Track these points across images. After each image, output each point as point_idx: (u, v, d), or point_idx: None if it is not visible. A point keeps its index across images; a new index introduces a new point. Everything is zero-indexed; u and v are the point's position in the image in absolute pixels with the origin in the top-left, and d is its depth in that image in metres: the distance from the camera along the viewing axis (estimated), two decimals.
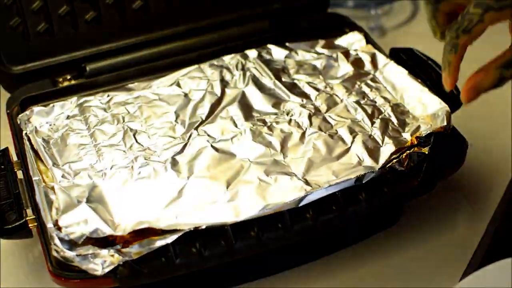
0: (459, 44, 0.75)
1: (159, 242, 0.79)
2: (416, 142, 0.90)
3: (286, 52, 1.08)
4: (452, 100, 0.95)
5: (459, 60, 0.77)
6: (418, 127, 0.92)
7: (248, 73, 1.04)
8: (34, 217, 0.85)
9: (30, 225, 0.84)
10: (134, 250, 0.79)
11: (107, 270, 0.78)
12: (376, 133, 0.93)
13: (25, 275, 0.94)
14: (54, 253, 0.80)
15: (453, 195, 1.00)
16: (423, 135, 0.90)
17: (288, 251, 0.90)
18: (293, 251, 0.91)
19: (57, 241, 0.80)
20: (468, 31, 0.73)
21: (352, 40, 1.09)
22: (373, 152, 0.91)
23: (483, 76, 0.74)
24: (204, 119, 0.97)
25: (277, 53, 1.09)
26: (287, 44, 1.09)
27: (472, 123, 0.98)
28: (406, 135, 0.92)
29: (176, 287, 0.89)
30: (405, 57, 1.03)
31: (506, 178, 1.02)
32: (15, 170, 0.91)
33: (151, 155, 0.92)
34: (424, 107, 0.95)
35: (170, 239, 0.79)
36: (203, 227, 0.81)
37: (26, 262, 0.95)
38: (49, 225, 0.82)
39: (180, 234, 0.80)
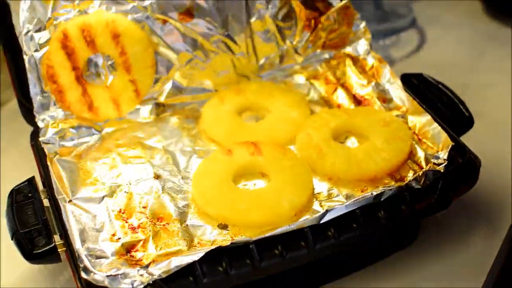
0: None
1: (186, 260, 0.81)
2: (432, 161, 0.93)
3: None
4: (464, 121, 0.98)
5: None
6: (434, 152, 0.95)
7: None
8: (62, 242, 0.87)
9: (59, 249, 0.86)
10: (163, 268, 0.81)
11: None
12: None
13: None
14: (84, 275, 0.81)
15: (468, 213, 1.02)
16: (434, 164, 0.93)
17: (308, 271, 0.92)
18: (313, 271, 0.93)
19: (86, 262, 0.82)
20: None
21: None
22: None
23: None
24: None
25: None
26: None
27: (484, 142, 0.99)
28: (422, 154, 0.95)
29: None
30: (416, 82, 1.05)
31: None
32: (42, 198, 0.93)
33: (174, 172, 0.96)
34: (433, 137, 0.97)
35: (197, 256, 0.81)
36: (228, 244, 0.83)
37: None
38: (78, 245, 0.84)
39: (206, 251, 0.81)
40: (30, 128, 1.06)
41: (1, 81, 1.22)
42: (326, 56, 1.15)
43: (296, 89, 1.12)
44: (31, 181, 0.95)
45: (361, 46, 1.12)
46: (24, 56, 1.02)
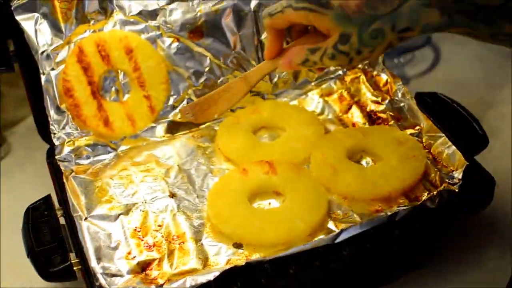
0: (264, 23, 0.88)
1: (201, 279, 0.82)
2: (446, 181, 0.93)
3: None
4: (479, 140, 0.98)
5: (273, 41, 0.91)
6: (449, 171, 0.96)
7: None
8: (78, 260, 0.87)
9: (74, 267, 0.87)
10: (178, 287, 0.81)
11: None
12: None
13: None
14: None
15: (483, 232, 1.01)
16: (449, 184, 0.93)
17: None
18: None
19: (102, 280, 0.83)
20: (271, 15, 0.86)
21: None
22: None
23: (295, 54, 0.86)
24: None
25: None
26: None
27: (499, 160, 0.99)
28: (436, 174, 0.95)
29: None
30: (430, 101, 1.06)
31: None
32: (58, 216, 0.93)
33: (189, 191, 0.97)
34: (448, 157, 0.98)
35: (212, 276, 0.81)
36: (243, 264, 0.83)
37: None
38: (93, 264, 0.85)
39: (221, 271, 0.82)
40: (46, 145, 1.06)
41: (18, 98, 1.23)
42: (340, 72, 1.15)
43: (310, 107, 1.12)
44: (47, 199, 0.95)
45: (374, 62, 1.13)
46: (41, 76, 1.03)
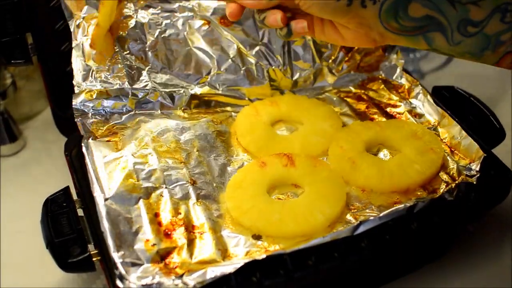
0: None
1: (222, 271, 0.82)
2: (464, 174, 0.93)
3: None
4: (495, 133, 0.98)
5: None
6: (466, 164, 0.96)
7: None
8: (97, 251, 0.88)
9: (93, 258, 0.87)
10: (197, 279, 0.82)
11: None
12: None
13: None
14: (119, 284, 0.82)
15: (500, 225, 1.02)
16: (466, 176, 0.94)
17: (343, 284, 0.93)
18: (347, 284, 0.94)
19: (121, 270, 0.83)
20: None
21: None
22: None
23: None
24: None
25: None
26: None
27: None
28: (454, 166, 0.95)
29: None
30: (447, 95, 1.06)
31: None
32: (76, 207, 0.94)
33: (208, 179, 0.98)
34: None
35: (232, 267, 0.82)
36: (263, 256, 0.83)
37: None
38: (112, 251, 0.85)
39: (242, 264, 0.82)
40: (62, 139, 1.07)
41: (34, 92, 1.23)
42: (359, 78, 1.16)
43: (328, 103, 1.13)
44: (65, 190, 0.95)
45: (394, 68, 1.14)
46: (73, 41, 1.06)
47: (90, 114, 1.04)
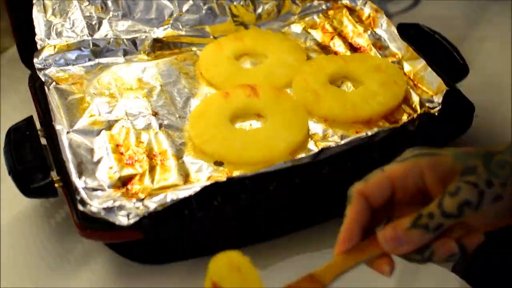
0: (353, 192, 0.69)
1: (183, 194, 0.82)
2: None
3: None
4: (459, 69, 0.99)
5: (356, 220, 0.67)
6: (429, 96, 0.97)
7: None
8: (59, 177, 0.88)
9: (56, 184, 0.87)
10: (158, 202, 0.82)
11: (132, 221, 0.80)
12: None
13: (48, 238, 0.96)
14: (80, 207, 0.82)
15: None
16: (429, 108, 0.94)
17: (305, 212, 0.93)
18: (308, 212, 0.94)
19: (83, 194, 0.83)
20: (366, 180, 0.69)
21: None
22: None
23: (398, 221, 0.64)
24: None
25: None
26: None
27: (478, 94, 0.99)
28: (416, 99, 0.96)
29: (195, 251, 0.92)
30: (412, 32, 1.06)
31: None
32: (40, 136, 0.93)
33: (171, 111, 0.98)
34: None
35: (193, 190, 0.82)
36: (224, 179, 0.84)
37: (49, 226, 0.97)
38: (74, 178, 0.85)
39: (202, 186, 0.83)
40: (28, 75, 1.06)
41: (0, 29, 1.23)
42: (323, 7, 1.17)
43: (292, 37, 1.13)
44: (29, 120, 0.95)
45: None
46: None
47: (52, 68, 1.04)
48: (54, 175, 0.88)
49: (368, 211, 0.67)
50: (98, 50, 1.07)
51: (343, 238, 0.67)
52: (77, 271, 0.92)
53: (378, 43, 1.07)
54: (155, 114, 0.97)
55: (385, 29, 1.07)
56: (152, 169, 0.89)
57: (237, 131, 0.94)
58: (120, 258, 0.92)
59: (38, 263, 0.94)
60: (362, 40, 1.08)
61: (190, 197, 0.82)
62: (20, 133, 0.93)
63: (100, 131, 0.93)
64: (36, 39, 1.05)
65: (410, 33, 1.07)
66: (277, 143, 0.90)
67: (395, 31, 1.05)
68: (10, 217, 0.98)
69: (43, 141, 0.93)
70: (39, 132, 0.94)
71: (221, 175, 0.88)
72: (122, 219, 0.81)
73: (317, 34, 1.13)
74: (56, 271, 0.93)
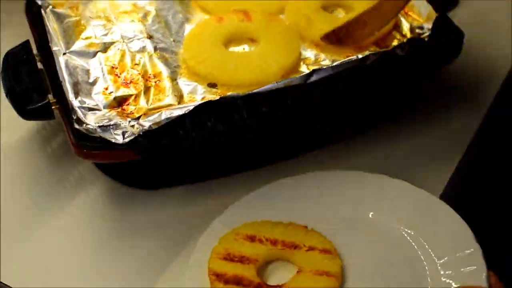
0: None
1: (177, 112, 0.84)
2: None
3: None
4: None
5: None
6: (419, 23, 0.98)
7: None
8: (55, 100, 0.89)
9: (52, 106, 0.89)
10: (153, 120, 0.84)
11: (127, 140, 0.83)
12: None
13: (45, 164, 0.99)
14: (77, 126, 0.84)
15: (452, 90, 1.05)
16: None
17: (297, 137, 0.96)
18: (300, 138, 0.96)
19: (79, 113, 0.85)
20: None
21: None
22: None
23: None
24: None
25: None
26: None
27: (468, 26, 1.00)
28: (407, 25, 0.97)
29: (189, 176, 0.94)
30: None
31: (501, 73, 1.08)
32: (37, 60, 0.95)
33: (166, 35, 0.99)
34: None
35: (187, 109, 0.84)
36: (217, 98, 0.85)
37: (45, 153, 1.00)
38: (71, 98, 0.87)
39: (196, 105, 0.84)
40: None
41: None
42: None
43: None
44: (25, 44, 0.96)
45: None
46: None
47: None
48: (51, 97, 0.90)
49: None
50: None
51: None
52: (73, 194, 0.95)
53: None
54: (150, 37, 0.98)
55: None
56: (147, 90, 0.90)
57: (230, 53, 0.96)
58: (116, 183, 0.95)
59: (35, 187, 0.97)
60: None
61: (184, 116, 0.84)
62: (17, 58, 0.94)
63: (96, 53, 0.95)
64: None
65: None
66: (269, 64, 0.92)
67: None
68: (8, 142, 1.01)
69: (40, 65, 0.95)
70: (35, 57, 0.95)
71: (215, 96, 0.89)
72: (117, 137, 0.83)
73: None
74: (52, 195, 0.96)
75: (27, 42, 0.97)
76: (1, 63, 0.94)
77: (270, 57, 0.93)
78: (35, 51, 0.97)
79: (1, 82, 0.93)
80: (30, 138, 1.01)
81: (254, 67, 0.92)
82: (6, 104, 0.90)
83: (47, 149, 1.00)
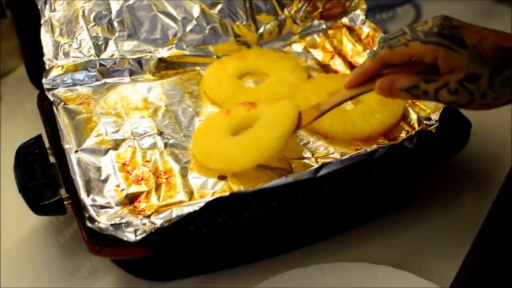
0: (378, 53, 0.82)
1: (188, 209, 0.85)
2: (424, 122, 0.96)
3: None
4: None
5: (371, 69, 0.84)
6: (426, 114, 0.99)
7: None
8: (68, 195, 0.90)
9: (64, 202, 0.89)
10: (164, 218, 0.84)
11: (139, 237, 0.83)
12: None
13: (58, 255, 0.99)
14: (89, 224, 0.84)
15: (459, 176, 1.06)
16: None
17: (306, 229, 0.96)
18: (309, 229, 0.97)
19: (91, 212, 0.86)
20: (391, 47, 0.80)
21: None
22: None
23: (400, 78, 0.81)
24: None
25: None
26: None
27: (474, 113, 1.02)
28: (414, 116, 0.98)
29: (201, 268, 0.95)
30: None
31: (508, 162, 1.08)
32: (48, 154, 0.96)
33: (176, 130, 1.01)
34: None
35: (198, 206, 0.85)
36: (227, 194, 0.86)
37: (58, 244, 1.00)
38: (83, 196, 0.88)
39: (206, 201, 0.85)
40: (36, 95, 1.09)
41: (7, 50, 1.25)
42: (324, 26, 1.20)
43: (294, 56, 1.16)
44: (38, 138, 0.98)
45: (357, 16, 1.17)
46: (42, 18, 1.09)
47: (61, 88, 1.07)
48: (63, 192, 0.91)
49: (382, 68, 0.83)
50: (105, 70, 1.10)
51: (353, 78, 0.86)
52: (86, 286, 0.95)
53: None
54: (160, 133, 0.99)
55: None
56: (158, 186, 0.91)
57: (234, 139, 0.96)
58: (128, 275, 0.95)
59: (47, 279, 0.96)
60: (362, 59, 1.11)
61: (195, 213, 0.84)
62: (30, 151, 0.95)
63: (108, 150, 0.96)
64: (44, 59, 1.08)
65: None
66: (271, 135, 0.93)
67: None
68: (20, 234, 1.01)
69: (52, 159, 0.96)
70: (47, 151, 0.96)
71: (225, 189, 0.90)
72: (129, 235, 0.83)
73: (317, 53, 1.16)
74: (64, 286, 0.95)
75: (40, 136, 0.98)
76: (14, 155, 0.95)
77: (269, 128, 0.94)
78: (47, 145, 0.98)
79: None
80: (42, 230, 1.01)
81: (256, 142, 0.94)
82: (16, 195, 0.91)
83: (59, 240, 1.00)
